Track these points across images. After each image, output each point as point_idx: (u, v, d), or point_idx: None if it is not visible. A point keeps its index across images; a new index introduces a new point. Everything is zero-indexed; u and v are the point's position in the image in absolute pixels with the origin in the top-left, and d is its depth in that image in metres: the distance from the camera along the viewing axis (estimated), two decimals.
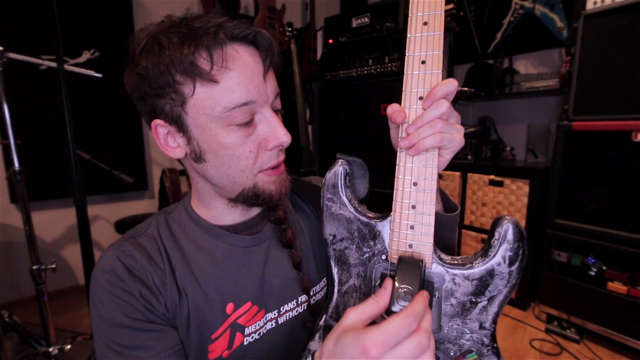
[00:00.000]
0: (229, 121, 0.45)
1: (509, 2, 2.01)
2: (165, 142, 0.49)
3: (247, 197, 0.51)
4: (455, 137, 0.40)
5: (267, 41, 0.46)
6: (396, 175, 0.42)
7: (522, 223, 1.84)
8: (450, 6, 2.17)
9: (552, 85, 1.90)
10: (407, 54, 0.40)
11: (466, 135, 2.18)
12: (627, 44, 1.39)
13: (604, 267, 1.61)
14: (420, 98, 0.40)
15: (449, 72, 2.42)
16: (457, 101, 2.32)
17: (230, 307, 0.51)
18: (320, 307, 0.61)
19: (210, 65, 0.42)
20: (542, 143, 2.08)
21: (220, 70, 0.43)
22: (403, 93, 0.42)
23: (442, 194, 0.51)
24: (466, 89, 2.17)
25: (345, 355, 0.33)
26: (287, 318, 0.57)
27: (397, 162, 0.42)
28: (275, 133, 0.48)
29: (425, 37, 0.39)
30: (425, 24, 0.39)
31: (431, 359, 0.34)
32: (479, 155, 2.06)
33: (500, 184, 1.91)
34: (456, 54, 2.40)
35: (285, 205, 0.62)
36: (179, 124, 0.46)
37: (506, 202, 1.90)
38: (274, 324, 0.56)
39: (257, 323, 0.54)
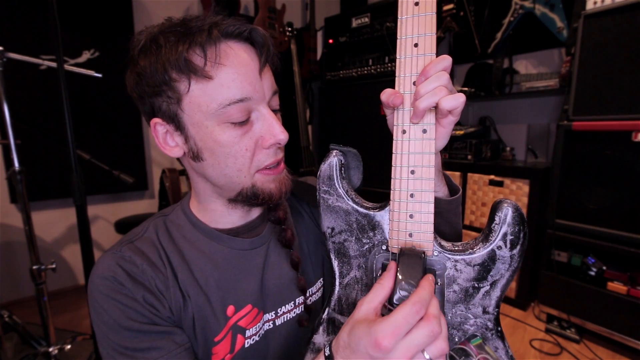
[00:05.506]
0: (224, 118, 0.44)
1: (509, 2, 2.01)
2: (164, 141, 0.49)
3: (246, 197, 0.50)
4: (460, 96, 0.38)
5: (263, 38, 0.46)
6: (393, 164, 0.41)
7: (527, 228, 1.84)
8: (450, 6, 2.17)
9: (552, 85, 1.90)
10: (398, 37, 0.39)
11: (466, 135, 2.18)
12: (627, 44, 1.39)
13: (604, 267, 1.61)
14: (414, 83, 0.39)
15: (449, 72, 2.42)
16: None
17: (230, 309, 0.51)
18: (316, 308, 0.61)
19: (204, 61, 0.42)
20: (542, 143, 2.08)
21: (213, 66, 0.43)
22: (397, 78, 0.40)
23: (445, 177, 0.50)
24: (466, 89, 2.17)
25: (359, 347, 0.34)
26: (285, 319, 0.57)
27: (394, 151, 0.41)
28: (272, 131, 0.47)
29: (417, 19, 0.37)
30: (416, 4, 0.38)
31: (444, 343, 0.34)
32: (479, 155, 2.06)
33: (500, 184, 1.90)
34: (456, 54, 2.39)
35: (285, 205, 0.61)
36: (176, 122, 0.46)
37: None
38: (272, 325, 0.56)
39: (257, 325, 0.54)
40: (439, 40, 2.30)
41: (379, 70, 2.26)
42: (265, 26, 2.47)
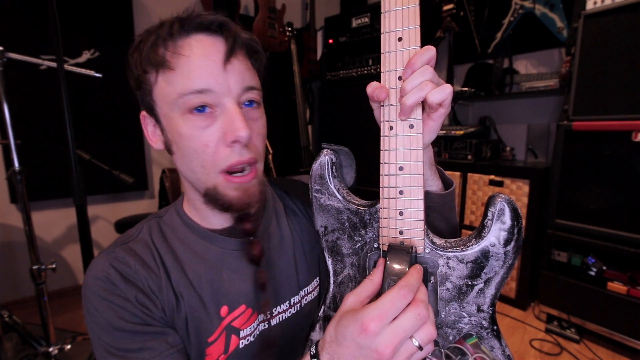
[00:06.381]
0: (185, 108, 0.44)
1: (509, 2, 2.01)
2: (151, 134, 0.51)
3: (211, 199, 0.48)
4: (447, 88, 0.37)
5: (233, 31, 0.46)
6: (381, 160, 0.41)
7: (522, 223, 1.84)
8: (450, 6, 2.17)
9: (552, 85, 1.90)
10: (382, 32, 0.38)
11: (466, 135, 2.18)
12: (627, 44, 1.39)
13: (604, 267, 1.61)
14: (400, 78, 0.38)
15: (449, 72, 2.42)
16: (457, 101, 2.32)
17: (224, 310, 0.51)
18: (312, 307, 0.61)
19: (166, 52, 0.44)
20: (542, 143, 2.08)
21: (173, 57, 0.44)
22: (382, 74, 0.40)
23: (438, 171, 0.49)
24: (466, 89, 2.17)
25: (345, 336, 0.34)
26: (280, 320, 0.57)
27: (382, 147, 0.41)
28: (232, 125, 0.44)
29: (400, 12, 0.37)
30: None
31: (432, 327, 0.34)
32: (479, 155, 2.06)
33: (500, 184, 1.90)
34: (456, 54, 2.39)
35: (258, 216, 0.54)
36: (153, 114, 0.49)
37: None
38: (267, 325, 0.56)
39: (252, 325, 0.54)
40: (439, 41, 2.30)
41: (379, 70, 2.25)
42: (265, 26, 2.47)
